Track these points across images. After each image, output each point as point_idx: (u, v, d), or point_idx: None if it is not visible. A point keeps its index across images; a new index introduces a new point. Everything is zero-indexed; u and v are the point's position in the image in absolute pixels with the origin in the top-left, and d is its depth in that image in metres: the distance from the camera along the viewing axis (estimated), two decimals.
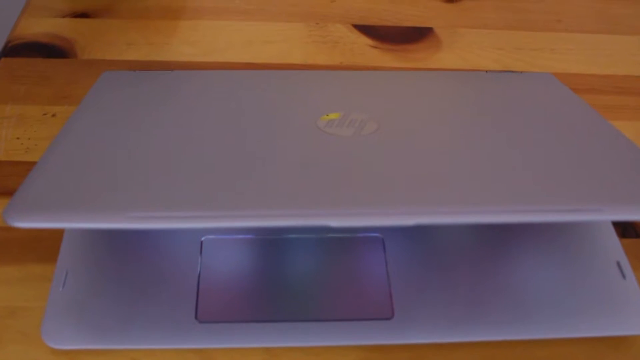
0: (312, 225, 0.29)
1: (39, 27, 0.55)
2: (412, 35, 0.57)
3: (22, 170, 0.43)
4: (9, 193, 0.42)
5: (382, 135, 0.37)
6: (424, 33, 0.57)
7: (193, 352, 0.35)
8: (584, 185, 0.33)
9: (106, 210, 0.29)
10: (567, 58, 0.56)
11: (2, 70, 0.51)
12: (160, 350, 0.35)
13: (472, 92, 0.44)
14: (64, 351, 0.34)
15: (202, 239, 0.38)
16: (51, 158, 0.34)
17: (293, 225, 0.29)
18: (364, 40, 0.56)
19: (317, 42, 0.56)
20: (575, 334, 0.36)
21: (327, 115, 0.39)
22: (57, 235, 0.38)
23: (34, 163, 0.33)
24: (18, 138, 0.46)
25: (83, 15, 0.57)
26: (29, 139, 0.46)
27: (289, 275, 0.37)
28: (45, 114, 0.48)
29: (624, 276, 0.38)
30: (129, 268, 0.37)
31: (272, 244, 0.39)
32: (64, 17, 0.57)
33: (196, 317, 0.35)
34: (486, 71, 0.49)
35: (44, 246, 0.39)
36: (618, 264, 0.38)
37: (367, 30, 0.57)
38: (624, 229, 0.42)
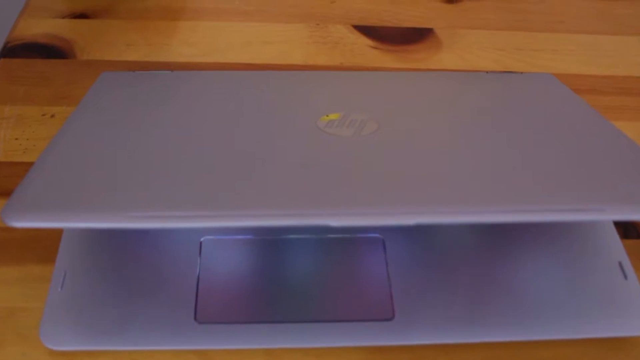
0: (312, 225, 0.28)
1: (38, 28, 0.55)
2: (412, 36, 0.57)
3: (20, 171, 0.43)
4: (7, 194, 0.41)
5: (382, 136, 0.37)
6: (424, 34, 0.57)
7: (192, 353, 0.35)
8: (586, 185, 0.33)
9: (105, 209, 0.29)
10: (567, 59, 0.56)
11: (1, 71, 0.51)
12: (159, 351, 0.35)
13: (473, 93, 0.44)
14: (63, 352, 0.34)
15: (202, 239, 0.38)
16: (49, 158, 0.33)
17: (293, 225, 0.29)
18: (364, 41, 0.56)
19: (317, 43, 0.55)
20: (577, 335, 0.35)
21: (327, 115, 0.38)
22: (56, 236, 0.38)
23: (32, 164, 0.33)
24: (17, 139, 0.46)
25: (82, 16, 0.57)
26: (28, 139, 0.46)
27: (289, 276, 0.37)
28: (44, 115, 0.48)
29: (625, 277, 0.37)
30: (128, 269, 0.37)
31: (271, 245, 0.38)
32: (63, 17, 0.57)
33: (195, 318, 0.35)
34: (486, 72, 0.49)
35: (43, 246, 0.39)
36: (620, 264, 0.38)
37: (367, 31, 0.57)
38: (626, 230, 0.41)
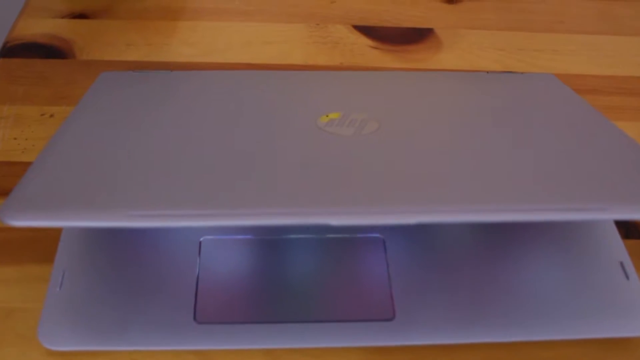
0: (312, 224, 0.28)
1: (38, 28, 0.55)
2: (413, 36, 0.57)
3: (19, 171, 0.43)
4: (6, 193, 0.41)
5: (383, 135, 0.36)
6: (424, 34, 0.57)
7: (192, 353, 0.34)
8: (587, 185, 0.32)
9: (104, 208, 0.29)
10: (568, 59, 0.56)
11: (0, 71, 0.51)
12: (158, 351, 0.34)
13: (473, 92, 0.44)
14: (61, 353, 0.34)
15: (201, 239, 0.38)
16: (48, 157, 0.33)
17: (293, 224, 0.28)
18: (364, 41, 0.56)
19: (317, 43, 0.55)
20: (579, 335, 0.35)
21: (328, 114, 0.38)
22: (55, 236, 0.38)
23: (31, 163, 0.33)
24: (15, 138, 0.46)
25: (82, 16, 0.57)
26: (27, 139, 0.46)
27: (289, 276, 0.37)
28: (43, 115, 0.48)
29: (627, 277, 0.37)
30: (127, 268, 0.36)
31: (271, 245, 0.38)
32: (62, 17, 0.56)
33: (195, 318, 0.35)
34: (487, 72, 0.49)
35: (42, 247, 0.39)
36: (621, 264, 0.38)
37: (367, 31, 0.57)
38: (627, 230, 0.41)
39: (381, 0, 0.61)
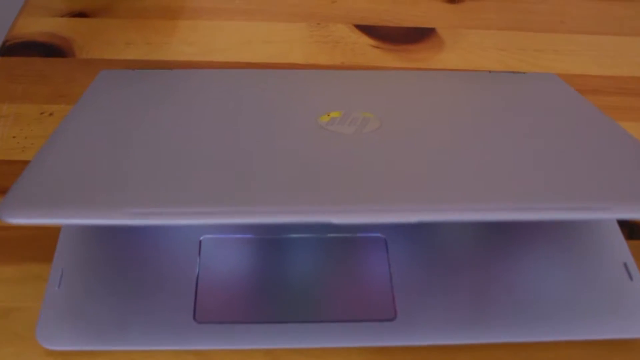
0: (313, 222, 0.28)
1: (37, 27, 0.55)
2: (414, 36, 0.57)
3: (18, 170, 0.42)
4: (5, 192, 0.41)
5: (385, 133, 0.36)
6: (425, 33, 0.57)
7: (191, 353, 0.34)
8: (591, 184, 0.32)
9: (102, 206, 0.28)
10: (570, 59, 0.55)
11: None
12: (157, 351, 0.34)
13: (475, 91, 0.44)
14: (59, 352, 0.34)
15: (201, 238, 0.38)
16: (47, 154, 0.33)
17: (294, 222, 0.28)
18: (366, 40, 0.56)
19: (318, 42, 0.55)
20: (582, 336, 0.35)
21: (329, 113, 0.38)
22: (54, 235, 0.38)
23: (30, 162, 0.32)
24: (14, 137, 0.45)
25: (81, 14, 0.56)
26: (26, 137, 0.45)
27: (290, 276, 0.36)
28: (42, 113, 0.47)
29: (631, 278, 0.37)
30: (126, 267, 0.36)
31: (272, 244, 0.38)
32: (62, 16, 0.56)
33: (194, 318, 0.34)
34: (489, 71, 0.48)
35: (41, 245, 0.38)
36: (625, 265, 0.37)
37: (368, 30, 0.57)
38: (631, 231, 0.41)
39: (382, 0, 0.60)
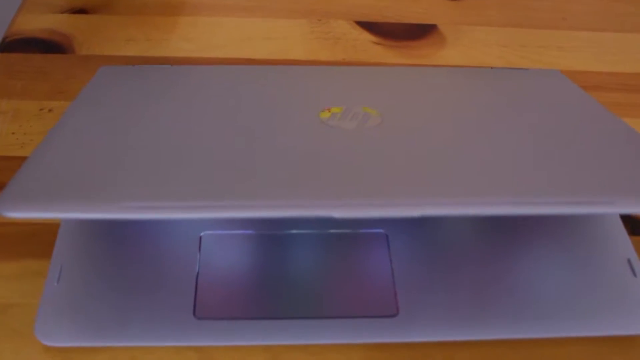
0: (314, 216, 0.27)
1: (37, 23, 0.55)
2: (416, 32, 0.56)
3: (17, 166, 0.41)
4: (3, 188, 0.41)
5: (386, 128, 0.36)
6: (427, 30, 0.57)
7: (191, 349, 0.34)
8: (594, 178, 0.32)
9: (101, 199, 0.28)
10: (572, 55, 0.55)
11: None
12: (157, 347, 0.34)
13: (478, 87, 0.44)
14: (58, 349, 0.33)
15: (201, 234, 0.37)
16: (45, 149, 0.33)
17: (295, 216, 0.28)
18: (367, 37, 0.55)
19: (319, 39, 0.55)
20: (585, 333, 0.35)
21: (330, 108, 0.38)
22: (53, 231, 0.37)
23: None
24: (13, 133, 0.45)
25: (81, 11, 0.56)
26: (25, 134, 0.45)
27: (291, 272, 0.36)
28: (42, 109, 0.47)
29: (634, 274, 0.37)
30: (126, 263, 0.36)
31: (273, 240, 0.38)
32: (62, 12, 0.56)
33: (194, 314, 0.34)
34: (491, 67, 0.48)
35: (40, 241, 0.38)
36: (629, 261, 0.37)
37: (369, 26, 0.56)
38: (634, 226, 0.41)
39: None
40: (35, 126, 0.46)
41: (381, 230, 0.38)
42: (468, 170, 0.32)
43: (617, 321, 0.35)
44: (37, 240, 0.38)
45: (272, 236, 0.38)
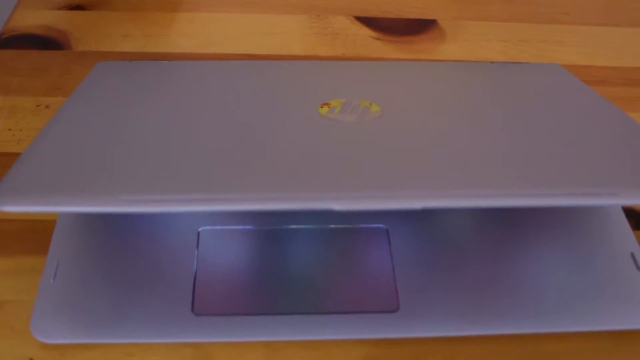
0: (315, 209, 0.27)
1: (34, 19, 0.54)
2: (415, 27, 0.56)
3: (13, 162, 0.42)
4: None
5: (386, 121, 0.35)
6: (427, 25, 0.56)
7: (189, 346, 0.33)
8: (598, 170, 0.32)
9: (97, 193, 0.28)
10: (574, 50, 0.55)
11: None
12: (155, 344, 0.33)
13: (479, 81, 0.43)
14: (54, 345, 0.33)
15: (199, 229, 0.37)
16: (41, 143, 0.32)
17: (295, 209, 0.27)
18: (366, 32, 0.55)
19: (318, 34, 0.54)
20: (588, 327, 0.34)
21: (329, 102, 0.37)
22: (50, 227, 0.37)
23: None
24: (10, 129, 0.45)
25: (78, 7, 0.56)
26: (21, 130, 0.45)
27: (290, 268, 0.36)
28: (38, 106, 0.47)
29: (638, 268, 0.36)
30: (123, 259, 0.35)
31: (272, 236, 0.37)
32: (59, 9, 0.56)
33: (192, 310, 0.34)
34: (492, 62, 0.48)
35: (36, 238, 0.38)
36: (632, 255, 0.37)
37: (369, 22, 0.56)
38: (637, 221, 0.40)
39: None
40: (32, 122, 0.45)
41: (382, 225, 0.38)
42: (469, 162, 0.32)
43: (621, 316, 0.35)
44: (32, 236, 0.38)
45: (271, 231, 0.37)
